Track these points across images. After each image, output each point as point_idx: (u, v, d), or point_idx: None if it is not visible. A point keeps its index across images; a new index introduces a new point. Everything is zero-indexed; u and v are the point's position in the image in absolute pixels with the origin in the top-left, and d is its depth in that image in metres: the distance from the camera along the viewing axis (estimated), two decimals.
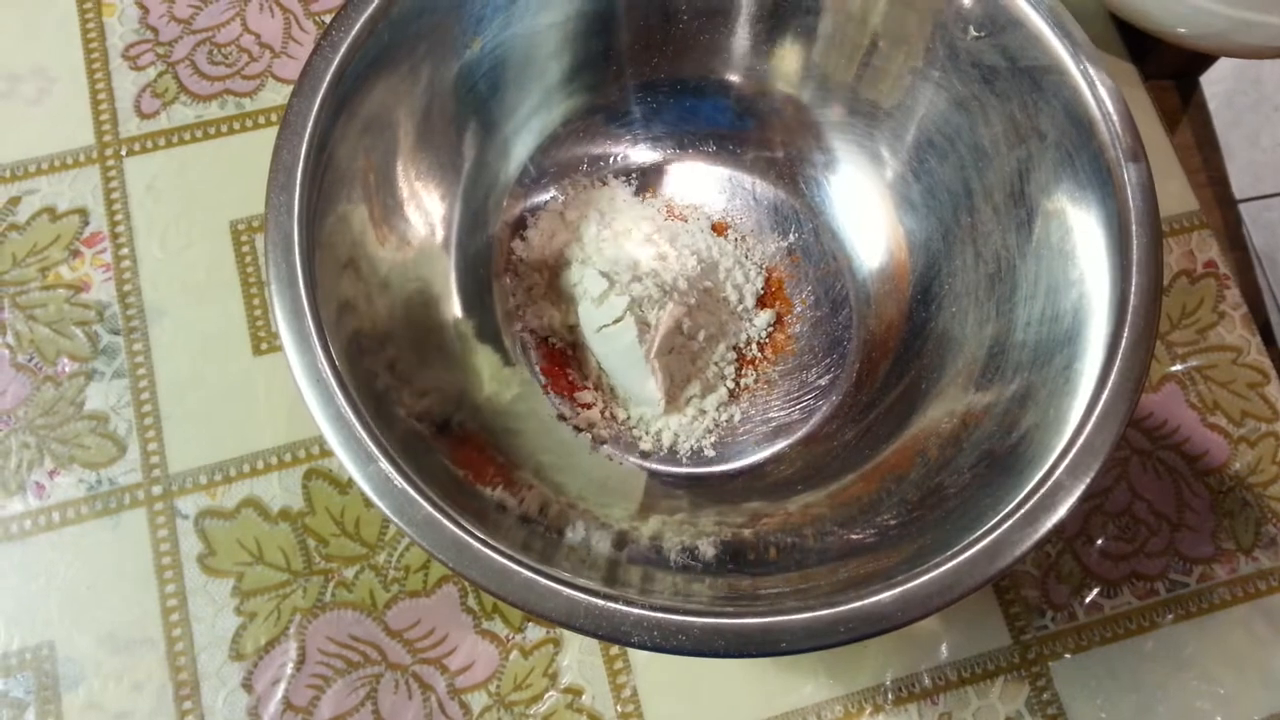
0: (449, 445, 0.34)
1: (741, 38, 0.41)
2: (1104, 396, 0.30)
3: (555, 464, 0.37)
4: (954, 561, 0.28)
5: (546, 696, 0.38)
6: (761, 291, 0.43)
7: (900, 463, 0.36)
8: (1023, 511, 0.29)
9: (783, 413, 0.41)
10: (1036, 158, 0.35)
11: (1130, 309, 0.31)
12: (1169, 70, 0.51)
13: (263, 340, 0.42)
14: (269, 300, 0.43)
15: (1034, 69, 0.34)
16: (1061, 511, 0.29)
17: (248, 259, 0.43)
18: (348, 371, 0.30)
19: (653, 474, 0.39)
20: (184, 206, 0.44)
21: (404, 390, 0.33)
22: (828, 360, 0.41)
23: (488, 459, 0.35)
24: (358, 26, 0.33)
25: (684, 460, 0.40)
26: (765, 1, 0.39)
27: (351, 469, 0.28)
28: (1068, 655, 0.40)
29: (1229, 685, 0.39)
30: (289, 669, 0.38)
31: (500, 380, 0.39)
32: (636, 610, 0.27)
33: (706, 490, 0.39)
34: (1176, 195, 0.47)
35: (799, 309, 0.43)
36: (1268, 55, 0.44)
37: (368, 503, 0.40)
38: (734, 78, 0.42)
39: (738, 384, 0.41)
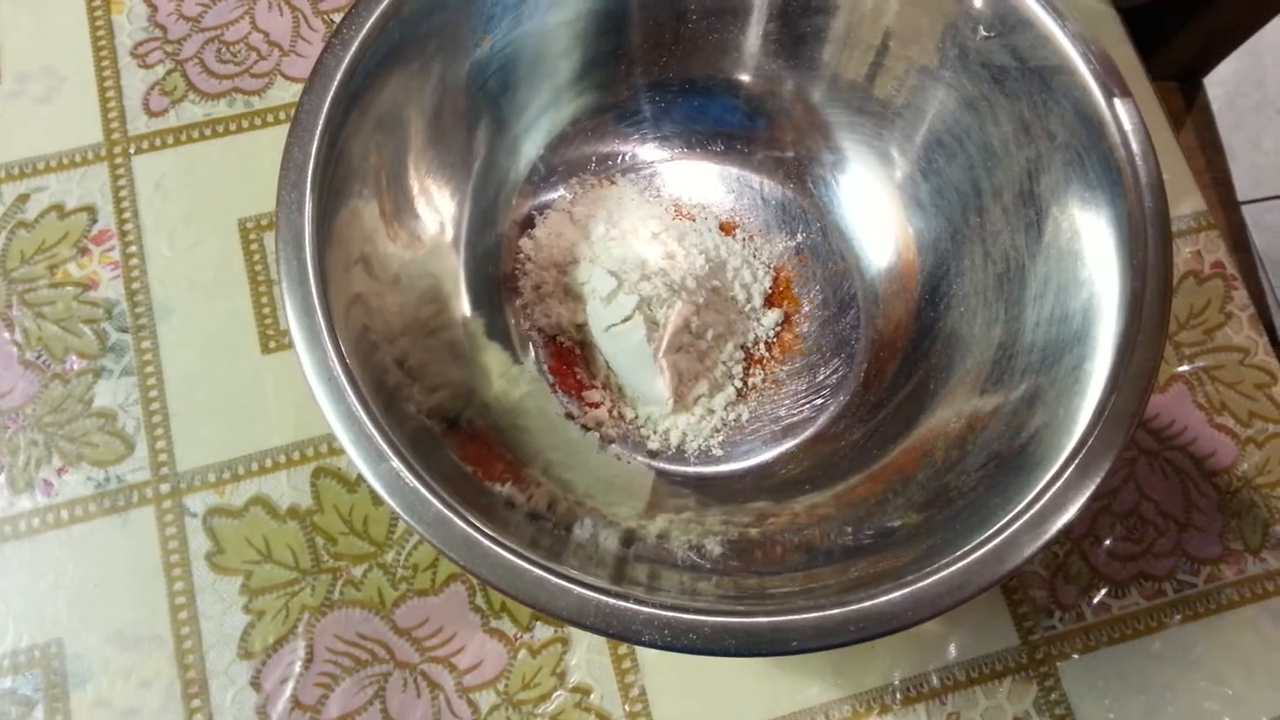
0: (458, 442, 0.34)
1: (752, 37, 0.41)
2: (1114, 397, 0.30)
3: (563, 462, 0.37)
4: (964, 562, 0.28)
5: (555, 695, 0.38)
6: (769, 291, 0.43)
7: (908, 463, 0.36)
8: (1032, 512, 0.29)
9: (790, 412, 0.41)
10: (1046, 158, 0.35)
11: (1143, 309, 0.31)
12: (1173, 71, 0.51)
13: (271, 338, 0.42)
14: (279, 298, 0.43)
15: (1044, 69, 0.34)
16: (1071, 512, 0.29)
17: (256, 257, 0.43)
18: (358, 369, 0.30)
19: (660, 473, 0.39)
20: (192, 204, 0.44)
21: (414, 387, 0.33)
22: (835, 360, 0.41)
23: (496, 456, 0.35)
24: (369, 24, 0.33)
25: (691, 459, 0.40)
26: (776, 1, 0.39)
27: (362, 467, 0.29)
28: (1076, 656, 0.39)
29: (1237, 686, 0.39)
30: (297, 667, 0.38)
31: (509, 378, 0.39)
32: (648, 609, 0.27)
33: (713, 489, 0.39)
34: (1184, 196, 0.47)
35: (807, 308, 0.43)
36: None
37: (376, 501, 0.40)
38: (743, 77, 0.42)
39: (745, 383, 0.41)
